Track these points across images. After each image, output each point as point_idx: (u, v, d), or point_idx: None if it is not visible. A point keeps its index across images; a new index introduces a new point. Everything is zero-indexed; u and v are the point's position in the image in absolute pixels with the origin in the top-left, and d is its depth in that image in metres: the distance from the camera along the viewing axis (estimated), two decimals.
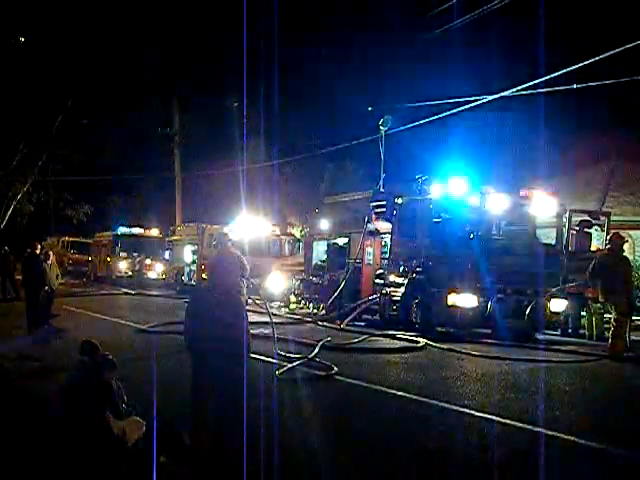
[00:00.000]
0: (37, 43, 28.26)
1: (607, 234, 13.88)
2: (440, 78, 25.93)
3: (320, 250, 18.73)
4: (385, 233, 15.67)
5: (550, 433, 6.37)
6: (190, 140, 34.68)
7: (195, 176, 34.96)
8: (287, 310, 18.55)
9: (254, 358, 9.31)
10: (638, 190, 21.24)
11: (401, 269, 14.41)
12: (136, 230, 32.02)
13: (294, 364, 9.62)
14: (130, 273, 31.02)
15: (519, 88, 17.71)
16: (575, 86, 16.32)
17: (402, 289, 14.15)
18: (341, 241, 17.45)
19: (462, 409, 7.37)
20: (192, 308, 5.62)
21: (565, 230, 14.27)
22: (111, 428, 5.73)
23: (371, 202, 16.15)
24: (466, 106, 19.55)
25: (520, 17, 21.35)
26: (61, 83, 28.16)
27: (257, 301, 14.91)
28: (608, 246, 11.93)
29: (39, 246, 14.54)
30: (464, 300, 12.72)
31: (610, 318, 11.61)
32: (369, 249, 16.12)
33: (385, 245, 15.83)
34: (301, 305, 19.00)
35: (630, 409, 7.90)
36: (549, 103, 17.77)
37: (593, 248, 14.63)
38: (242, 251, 22.49)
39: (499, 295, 12.85)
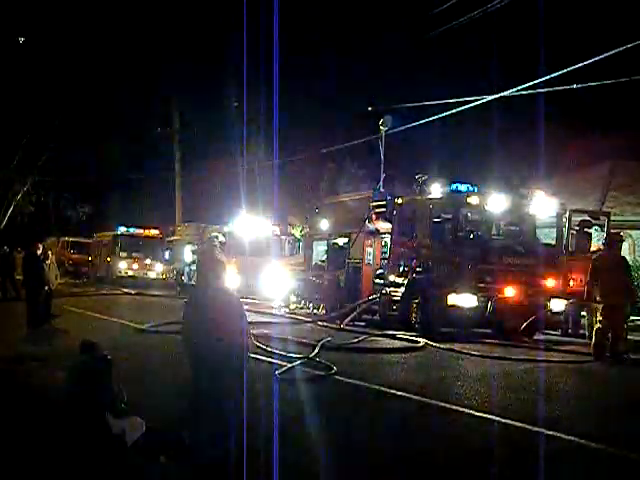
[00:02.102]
0: (37, 43, 28.27)
1: (607, 234, 13.87)
2: (440, 78, 25.97)
3: (320, 250, 18.73)
4: (385, 233, 15.67)
5: (550, 433, 6.36)
6: (190, 140, 34.68)
7: (195, 176, 34.95)
8: (287, 310, 18.55)
9: (254, 358, 9.33)
10: (638, 190, 21.26)
11: (401, 269, 14.41)
12: (136, 230, 32.01)
13: (294, 364, 9.62)
14: (132, 273, 30.95)
15: (519, 88, 17.72)
16: (575, 86, 16.32)
17: (402, 289, 14.15)
18: (341, 241, 17.45)
19: (462, 409, 7.37)
20: (190, 308, 5.61)
21: (565, 230, 14.26)
22: (110, 428, 5.73)
23: (371, 202, 16.16)
24: (466, 106, 19.57)
25: (520, 17, 21.36)
26: (60, 83, 28.17)
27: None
28: (605, 247, 11.83)
29: (40, 246, 14.54)
30: (464, 300, 12.71)
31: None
32: (369, 249, 16.12)
33: (385, 245, 15.83)
34: (301, 305, 19.00)
35: (630, 409, 7.89)
36: (549, 103, 17.78)
37: (593, 248, 14.62)
38: (242, 251, 22.58)
39: (499, 295, 12.85)
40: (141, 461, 5.43)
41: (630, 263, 18.30)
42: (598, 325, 11.03)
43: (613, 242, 11.52)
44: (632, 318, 14.55)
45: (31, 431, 6.00)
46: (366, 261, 16.09)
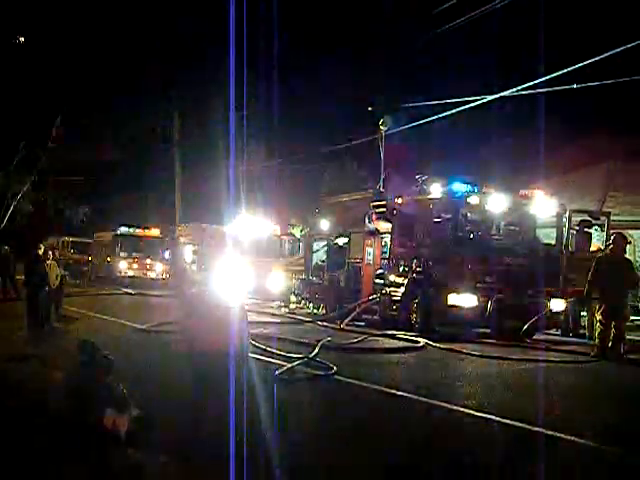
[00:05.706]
0: (37, 43, 28.30)
1: (607, 234, 13.85)
2: (440, 78, 25.96)
3: (320, 250, 18.74)
4: (385, 233, 15.68)
5: (550, 433, 6.36)
6: (190, 140, 34.70)
7: (195, 176, 34.95)
8: (287, 310, 18.55)
9: (254, 358, 9.33)
10: (638, 190, 21.23)
11: (401, 269, 14.41)
12: (136, 230, 32.01)
13: (294, 364, 9.62)
14: (132, 273, 30.90)
15: (519, 88, 17.72)
16: (575, 86, 16.32)
17: (402, 289, 14.15)
18: (341, 241, 17.46)
19: (462, 409, 7.37)
20: (189, 309, 5.61)
21: (565, 230, 14.26)
22: (118, 429, 5.74)
23: (371, 202, 16.16)
24: (466, 106, 19.57)
25: (520, 17, 21.34)
26: (61, 83, 28.19)
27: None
28: (610, 247, 11.80)
29: (41, 246, 14.53)
30: (464, 300, 12.71)
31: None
32: (369, 249, 16.12)
33: (385, 245, 15.83)
34: (301, 305, 19.00)
35: (630, 409, 7.90)
36: (549, 103, 17.78)
37: (593, 248, 14.63)
38: (242, 251, 22.61)
39: (499, 295, 12.84)
40: (140, 458, 5.43)
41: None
42: (599, 325, 11.02)
43: (617, 242, 11.45)
44: (632, 318, 14.58)
45: (28, 430, 6.00)
46: (366, 261, 16.10)
